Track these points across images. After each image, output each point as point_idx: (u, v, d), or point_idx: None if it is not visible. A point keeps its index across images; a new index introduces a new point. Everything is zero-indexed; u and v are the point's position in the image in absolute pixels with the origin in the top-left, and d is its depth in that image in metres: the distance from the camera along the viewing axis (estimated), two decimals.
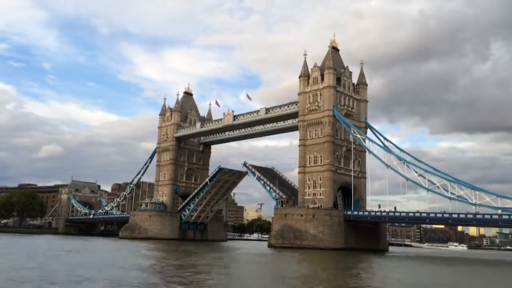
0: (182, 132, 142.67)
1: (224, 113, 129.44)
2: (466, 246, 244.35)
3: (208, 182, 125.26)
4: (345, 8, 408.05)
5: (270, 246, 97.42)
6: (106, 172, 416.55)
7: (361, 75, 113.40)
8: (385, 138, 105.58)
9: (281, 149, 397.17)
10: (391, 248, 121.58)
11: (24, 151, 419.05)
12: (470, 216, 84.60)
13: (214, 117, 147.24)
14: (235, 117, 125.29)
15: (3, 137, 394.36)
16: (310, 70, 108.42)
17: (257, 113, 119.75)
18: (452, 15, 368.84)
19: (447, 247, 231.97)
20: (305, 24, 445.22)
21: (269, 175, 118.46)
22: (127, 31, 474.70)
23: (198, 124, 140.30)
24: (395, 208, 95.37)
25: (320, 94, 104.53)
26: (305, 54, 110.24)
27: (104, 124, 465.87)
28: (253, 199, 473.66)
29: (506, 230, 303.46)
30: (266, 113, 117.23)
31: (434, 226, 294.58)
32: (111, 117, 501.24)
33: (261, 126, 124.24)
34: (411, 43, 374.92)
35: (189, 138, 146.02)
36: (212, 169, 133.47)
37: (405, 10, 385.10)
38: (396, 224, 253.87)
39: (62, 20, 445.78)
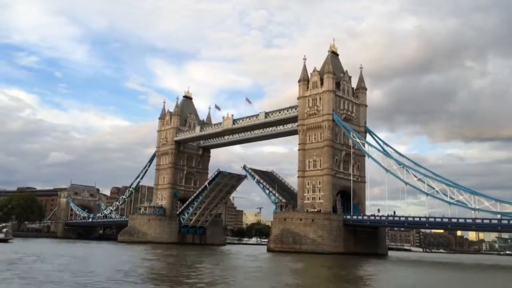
0: (182, 136, 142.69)
1: (223, 117, 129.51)
2: None
3: (207, 186, 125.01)
4: (339, 26, 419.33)
5: (269, 250, 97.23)
6: (112, 178, 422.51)
7: (360, 80, 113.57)
8: (384, 143, 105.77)
9: (282, 155, 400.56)
10: (390, 253, 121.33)
11: (32, 157, 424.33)
12: (469, 221, 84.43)
13: (213, 121, 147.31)
14: (234, 121, 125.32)
15: (14, 142, 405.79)
16: (309, 75, 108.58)
17: (257, 117, 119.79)
18: (451, 32, 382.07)
19: None
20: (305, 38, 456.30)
21: (268, 179, 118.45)
22: (146, 44, 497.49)
23: (198, 128, 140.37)
24: (394, 212, 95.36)
25: (320, 99, 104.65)
26: (304, 59, 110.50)
27: (114, 130, 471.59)
28: (252, 203, 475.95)
29: (505, 235, 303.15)
30: (266, 117, 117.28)
31: (433, 230, 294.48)
32: (122, 124, 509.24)
33: (261, 130, 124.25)
34: (409, 58, 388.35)
35: (189, 142, 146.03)
36: (211, 173, 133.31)
37: (398, 27, 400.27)
38: (395, 228, 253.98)
39: (93, 36, 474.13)
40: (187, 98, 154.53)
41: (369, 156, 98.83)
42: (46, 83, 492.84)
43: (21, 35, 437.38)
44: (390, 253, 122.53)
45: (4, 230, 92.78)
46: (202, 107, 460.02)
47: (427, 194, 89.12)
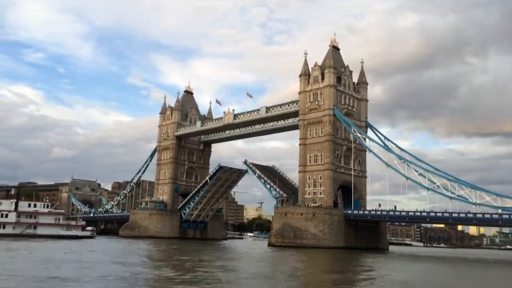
0: (183, 131, 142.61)
1: (224, 112, 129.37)
2: None
3: (208, 181, 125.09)
4: (339, 23, 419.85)
5: (270, 245, 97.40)
6: (114, 173, 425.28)
7: (362, 74, 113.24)
8: (385, 138, 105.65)
9: (284, 150, 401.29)
10: (391, 247, 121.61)
11: (35, 152, 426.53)
12: (470, 215, 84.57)
13: (214, 116, 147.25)
14: (235, 116, 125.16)
15: (18, 138, 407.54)
16: (310, 69, 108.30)
17: (258, 112, 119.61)
18: (451, 28, 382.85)
19: None
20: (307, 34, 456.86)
21: (269, 174, 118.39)
22: (149, 41, 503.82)
23: (199, 123, 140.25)
24: (395, 207, 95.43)
25: (321, 93, 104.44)
26: (305, 53, 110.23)
27: (117, 126, 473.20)
28: (253, 198, 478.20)
29: (506, 230, 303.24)
30: (267, 112, 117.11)
31: (434, 225, 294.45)
32: (125, 119, 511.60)
33: (262, 125, 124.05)
34: (410, 54, 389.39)
35: (190, 136, 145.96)
36: (212, 168, 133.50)
37: (398, 24, 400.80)
38: (396, 223, 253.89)
39: (100, 33, 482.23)
40: (188, 93, 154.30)
41: (370, 150, 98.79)
42: (52, 79, 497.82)
43: (28, 32, 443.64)
44: (391, 247, 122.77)
45: (90, 228, 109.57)
46: (206, 103, 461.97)
47: (428, 189, 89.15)
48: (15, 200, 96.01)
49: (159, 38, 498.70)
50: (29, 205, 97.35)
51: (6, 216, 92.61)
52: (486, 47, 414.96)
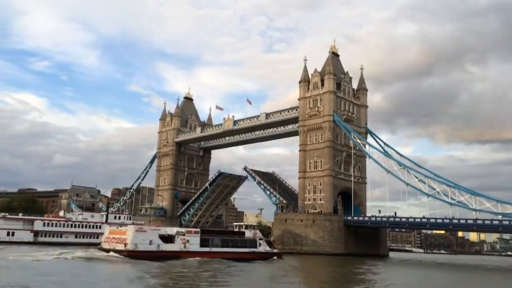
0: (182, 137, 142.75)
1: (224, 118, 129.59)
2: None
3: (208, 187, 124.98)
4: (338, 31, 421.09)
5: None
6: (115, 179, 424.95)
7: (361, 81, 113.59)
8: (385, 144, 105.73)
9: (284, 157, 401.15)
10: (391, 254, 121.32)
11: (37, 159, 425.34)
12: (470, 221, 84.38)
13: (214, 122, 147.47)
14: (235, 122, 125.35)
15: (19, 145, 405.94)
16: (310, 76, 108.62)
17: (257, 118, 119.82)
18: (450, 37, 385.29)
19: None
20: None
21: (269, 180, 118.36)
22: (150, 50, 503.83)
23: (198, 129, 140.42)
24: (395, 213, 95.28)
25: (320, 99, 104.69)
26: (305, 60, 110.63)
27: (119, 132, 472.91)
28: (253, 204, 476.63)
29: (506, 236, 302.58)
30: (267, 118, 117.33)
31: (434, 231, 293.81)
32: (127, 126, 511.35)
33: (261, 131, 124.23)
34: (410, 62, 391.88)
35: (189, 143, 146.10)
36: (212, 174, 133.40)
37: (397, 33, 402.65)
38: (396, 229, 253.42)
39: (105, 41, 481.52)
40: (188, 99, 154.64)
41: (370, 157, 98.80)
42: (56, 87, 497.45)
43: (34, 41, 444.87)
44: (391, 254, 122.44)
45: None
46: (208, 110, 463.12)
47: (428, 195, 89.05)
48: (106, 213, 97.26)
49: (162, 46, 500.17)
50: (115, 217, 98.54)
51: (99, 228, 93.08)
52: (486, 56, 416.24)
